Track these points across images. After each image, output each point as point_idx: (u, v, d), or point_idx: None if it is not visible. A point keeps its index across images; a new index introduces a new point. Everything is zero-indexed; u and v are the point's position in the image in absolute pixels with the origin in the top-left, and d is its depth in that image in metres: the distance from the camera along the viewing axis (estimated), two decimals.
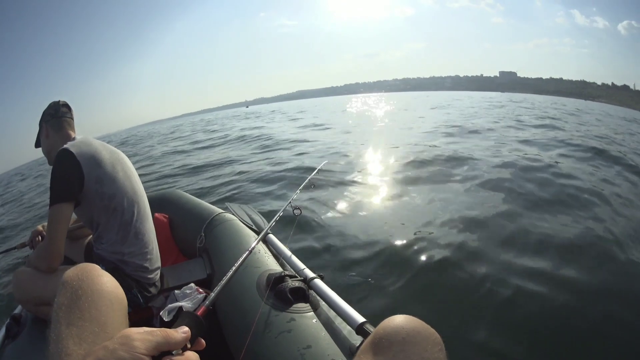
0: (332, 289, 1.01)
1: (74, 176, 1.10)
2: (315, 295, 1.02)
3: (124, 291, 0.67)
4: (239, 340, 0.91)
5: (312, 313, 0.94)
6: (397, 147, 5.96)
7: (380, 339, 0.55)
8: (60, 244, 1.08)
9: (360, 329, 0.82)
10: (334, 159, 5.24)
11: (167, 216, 1.85)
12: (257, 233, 1.60)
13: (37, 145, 1.33)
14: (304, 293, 0.99)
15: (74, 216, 1.29)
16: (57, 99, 1.31)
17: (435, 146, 5.79)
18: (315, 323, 0.90)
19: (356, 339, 0.84)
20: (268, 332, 0.87)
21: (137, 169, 1.36)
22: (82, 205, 1.15)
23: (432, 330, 0.57)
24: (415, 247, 2.23)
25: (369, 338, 0.59)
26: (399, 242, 2.30)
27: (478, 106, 18.73)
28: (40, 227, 1.44)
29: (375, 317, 0.77)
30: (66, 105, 1.30)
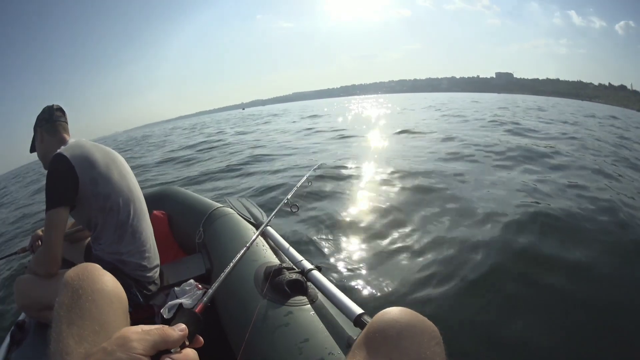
0: (330, 280, 1.02)
1: (68, 180, 1.10)
2: (313, 287, 1.02)
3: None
4: (238, 335, 0.92)
5: (309, 306, 0.94)
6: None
7: (374, 334, 0.53)
8: (57, 248, 1.08)
9: (357, 321, 0.82)
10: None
11: (165, 213, 1.85)
12: (256, 226, 1.60)
13: (32, 150, 1.33)
14: (301, 285, 0.99)
15: (73, 219, 1.30)
16: (51, 104, 1.30)
17: None
18: (313, 316, 0.90)
19: (354, 331, 0.85)
20: (266, 327, 0.88)
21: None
22: (79, 208, 1.15)
23: (429, 322, 0.54)
24: (415, 238, 2.26)
25: (363, 332, 0.57)
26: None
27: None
28: (39, 232, 1.44)
29: (372, 309, 0.77)
30: (60, 110, 1.29)
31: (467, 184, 3.50)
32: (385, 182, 3.72)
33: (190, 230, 1.68)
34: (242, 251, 0.74)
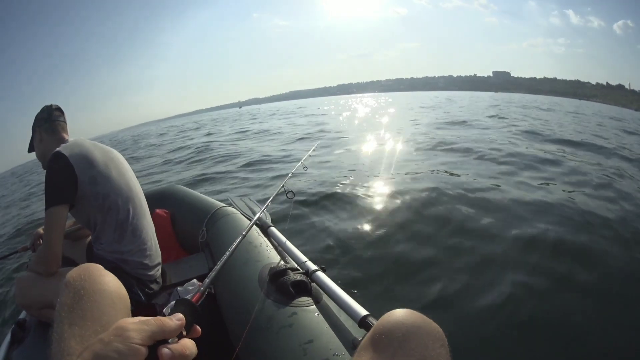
0: (334, 280, 1.01)
1: (67, 179, 1.09)
2: (318, 288, 1.02)
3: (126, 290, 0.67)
4: (239, 335, 0.92)
5: (314, 306, 0.93)
6: None
7: (379, 335, 0.53)
8: (57, 247, 1.08)
9: (363, 322, 0.81)
10: None
11: (168, 212, 1.84)
12: (259, 226, 1.58)
13: (31, 150, 1.32)
14: (305, 286, 0.99)
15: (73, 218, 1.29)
16: (49, 104, 1.30)
17: None
18: (317, 317, 0.89)
19: (359, 333, 0.84)
20: (269, 327, 0.87)
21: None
22: (78, 207, 1.14)
23: (434, 324, 0.54)
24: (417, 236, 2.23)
25: (368, 334, 0.57)
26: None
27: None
28: (40, 230, 1.44)
29: (378, 310, 0.76)
30: (59, 109, 1.29)
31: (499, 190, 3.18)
32: (399, 183, 3.54)
33: (193, 230, 1.67)
34: (239, 239, 0.76)
